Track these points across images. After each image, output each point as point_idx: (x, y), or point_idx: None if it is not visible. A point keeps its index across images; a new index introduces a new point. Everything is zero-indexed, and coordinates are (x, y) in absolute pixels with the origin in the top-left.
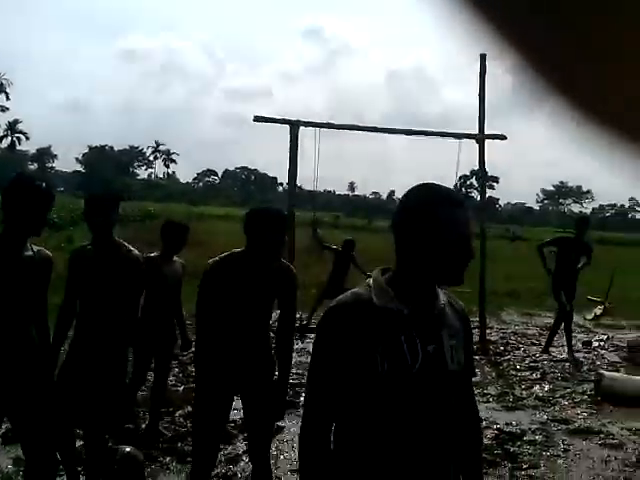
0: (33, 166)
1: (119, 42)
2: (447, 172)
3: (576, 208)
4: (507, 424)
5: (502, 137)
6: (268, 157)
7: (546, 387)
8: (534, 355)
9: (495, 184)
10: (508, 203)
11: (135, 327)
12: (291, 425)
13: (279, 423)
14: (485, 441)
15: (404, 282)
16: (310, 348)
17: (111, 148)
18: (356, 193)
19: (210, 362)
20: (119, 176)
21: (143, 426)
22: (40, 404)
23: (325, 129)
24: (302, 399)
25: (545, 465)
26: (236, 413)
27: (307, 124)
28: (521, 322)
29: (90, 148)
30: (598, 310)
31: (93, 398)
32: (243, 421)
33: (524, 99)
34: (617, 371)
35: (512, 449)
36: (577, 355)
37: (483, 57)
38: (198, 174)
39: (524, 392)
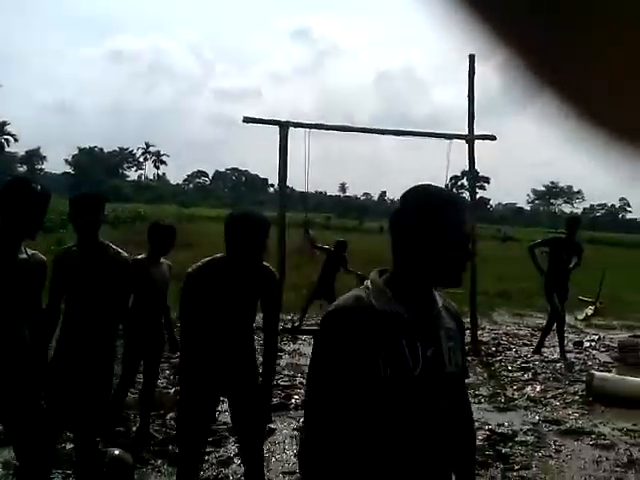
0: (22, 168)
1: (107, 43)
2: (438, 173)
3: (567, 208)
4: (499, 425)
5: (492, 137)
6: (259, 158)
7: (538, 388)
8: (526, 356)
9: (486, 184)
10: (499, 203)
11: (126, 327)
12: (283, 427)
13: (270, 425)
14: (477, 442)
15: (402, 284)
16: (302, 349)
17: (101, 149)
18: (347, 194)
19: (195, 367)
20: (109, 178)
21: (134, 429)
22: (32, 406)
23: (315, 130)
24: (293, 401)
25: (537, 466)
26: (227, 415)
27: (296, 125)
28: (512, 322)
29: (79, 150)
30: (589, 310)
31: (81, 400)
32: (233, 424)
33: (515, 98)
34: (608, 371)
35: (504, 450)
36: (568, 355)
37: (472, 58)
38: (188, 175)
39: (516, 393)
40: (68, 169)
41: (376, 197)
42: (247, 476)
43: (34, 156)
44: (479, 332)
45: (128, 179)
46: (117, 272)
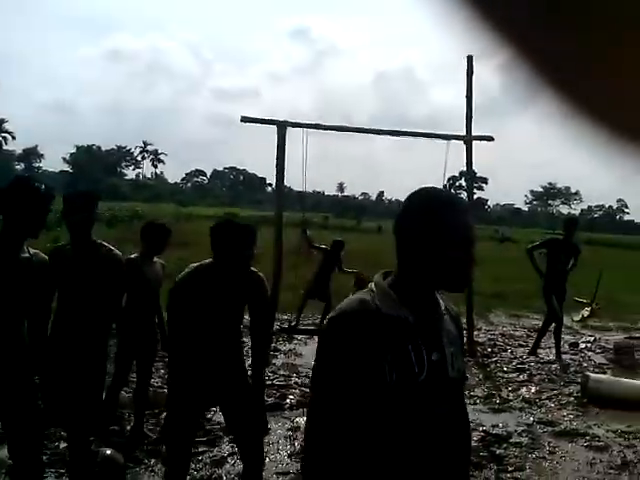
0: (19, 166)
1: (106, 42)
2: (436, 173)
3: (565, 209)
4: (493, 426)
5: (489, 138)
6: (257, 157)
7: (533, 389)
8: (521, 357)
9: (484, 185)
10: (497, 204)
11: (118, 325)
12: (277, 427)
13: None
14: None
15: (406, 287)
16: (298, 349)
17: (98, 148)
18: (345, 194)
19: (183, 374)
20: (107, 176)
21: (128, 428)
22: (29, 406)
23: (313, 130)
24: (288, 401)
25: (531, 467)
26: (221, 415)
27: (294, 125)
28: (509, 324)
29: (77, 148)
30: (585, 312)
31: (73, 399)
32: (229, 431)
33: (515, 99)
34: (604, 373)
35: (498, 451)
36: (564, 357)
37: (470, 59)
38: (186, 174)
39: (511, 394)
40: (66, 167)
41: (374, 197)
42: (245, 476)
43: (32, 154)
44: (475, 333)
45: (126, 178)
46: (110, 270)
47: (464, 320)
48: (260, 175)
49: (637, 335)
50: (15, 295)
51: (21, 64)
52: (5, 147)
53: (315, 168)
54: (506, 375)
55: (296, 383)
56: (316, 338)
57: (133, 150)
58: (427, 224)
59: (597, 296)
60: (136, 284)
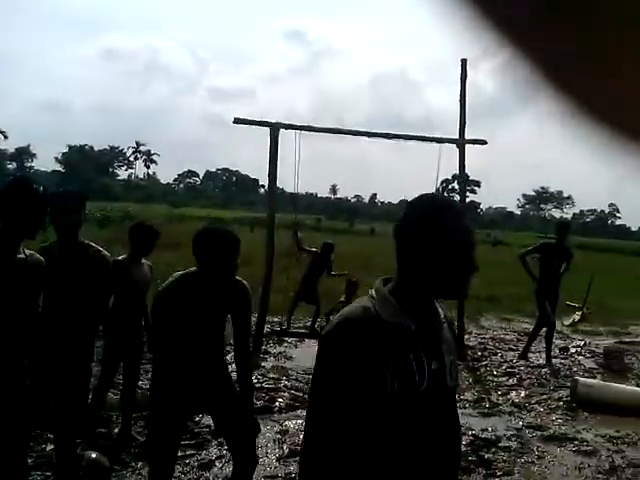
0: (11, 165)
1: (101, 41)
2: (429, 175)
3: (557, 213)
4: (482, 430)
5: (483, 142)
6: (250, 158)
7: (522, 393)
8: (511, 361)
9: (477, 188)
10: (490, 207)
11: (106, 326)
12: (266, 431)
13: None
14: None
15: (407, 294)
16: (288, 352)
17: (91, 148)
18: (338, 196)
19: (167, 383)
20: (99, 176)
21: (116, 430)
22: (17, 408)
23: (306, 131)
24: (277, 404)
25: (519, 472)
26: (209, 418)
27: (287, 127)
28: (500, 327)
29: (69, 147)
30: (576, 316)
31: (58, 401)
32: (217, 430)
33: (510, 101)
34: (593, 378)
35: (487, 455)
36: (554, 361)
37: (464, 62)
38: (179, 175)
39: (500, 398)
40: (58, 167)
41: (367, 199)
42: (239, 468)
43: (24, 153)
44: (466, 337)
45: (118, 178)
46: (97, 271)
47: (455, 324)
48: (253, 176)
49: (627, 340)
50: (11, 296)
51: (15, 63)
52: None
53: (308, 170)
54: (496, 379)
55: (285, 386)
56: (306, 341)
57: (126, 150)
58: (429, 228)
59: (588, 301)
60: (123, 286)
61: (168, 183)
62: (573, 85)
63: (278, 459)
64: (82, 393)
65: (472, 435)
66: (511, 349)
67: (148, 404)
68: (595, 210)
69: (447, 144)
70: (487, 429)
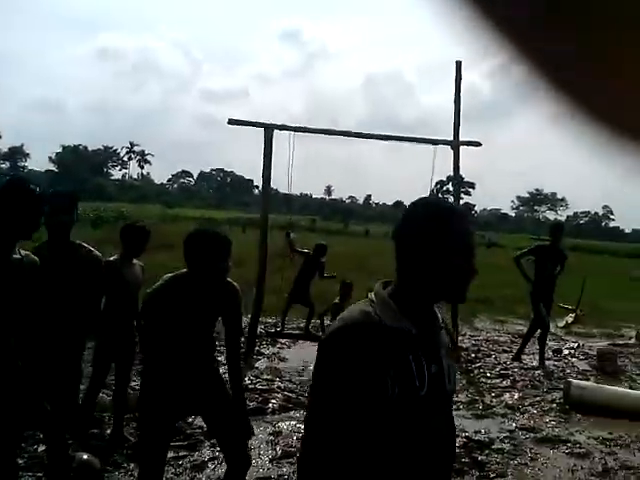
0: (4, 165)
1: (94, 41)
2: (424, 177)
3: (551, 215)
4: (476, 432)
5: (477, 144)
6: (244, 159)
7: (516, 395)
8: (505, 363)
9: (471, 190)
10: (484, 209)
11: (97, 327)
12: (259, 432)
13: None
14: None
15: (407, 297)
16: (281, 353)
17: (85, 148)
18: (333, 197)
19: (157, 386)
20: (93, 176)
21: (108, 431)
22: (10, 408)
23: (300, 133)
24: (270, 405)
25: (512, 474)
26: (201, 419)
27: (281, 128)
28: (493, 329)
29: (63, 148)
30: (570, 318)
31: (49, 400)
32: (215, 439)
33: (506, 103)
34: (586, 380)
35: (480, 457)
36: (547, 363)
37: (459, 64)
38: (173, 175)
39: (494, 400)
40: (52, 167)
41: (361, 201)
42: (231, 469)
43: (17, 153)
44: (459, 338)
45: (112, 178)
46: (89, 271)
47: (449, 325)
48: (247, 177)
49: (620, 342)
50: (7, 296)
51: (9, 62)
52: None
53: (303, 171)
54: (489, 381)
55: (279, 387)
56: (300, 342)
57: (120, 150)
58: (430, 230)
59: (581, 303)
60: (115, 286)
61: (162, 183)
62: (573, 85)
63: (271, 460)
64: (72, 394)
65: (465, 437)
66: (505, 351)
67: (138, 405)
68: (589, 212)
69: (442, 146)
70: (480, 431)
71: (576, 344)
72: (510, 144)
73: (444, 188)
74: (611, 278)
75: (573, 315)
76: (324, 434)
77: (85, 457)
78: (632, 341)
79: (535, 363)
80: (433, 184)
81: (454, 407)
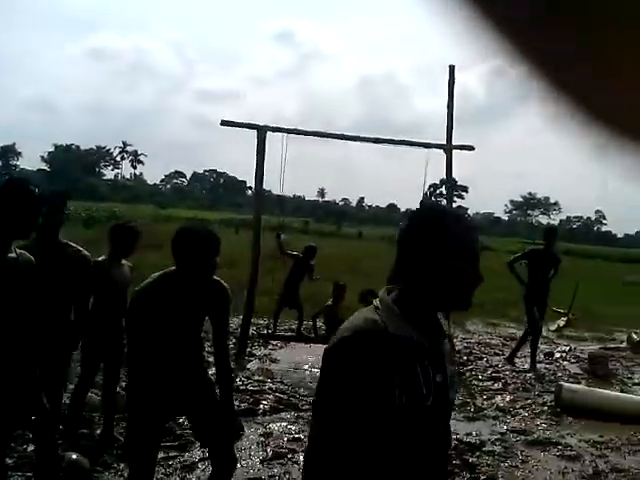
0: None
1: (88, 40)
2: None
3: (544, 219)
4: (467, 434)
5: (470, 148)
6: (237, 160)
7: (507, 398)
8: (497, 365)
9: (464, 193)
10: (477, 213)
11: (83, 328)
12: (250, 433)
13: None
14: None
15: (411, 305)
16: (273, 354)
17: (77, 147)
18: (326, 199)
19: (143, 386)
20: (85, 176)
21: (98, 431)
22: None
23: (294, 134)
24: (261, 407)
25: (503, 476)
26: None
27: (274, 129)
28: (485, 332)
29: (55, 147)
30: (561, 322)
31: (33, 400)
32: (200, 440)
33: (500, 106)
34: (578, 383)
35: (471, 459)
36: (539, 366)
37: (452, 68)
38: (166, 176)
39: (485, 402)
40: (44, 166)
41: (354, 203)
42: (217, 470)
43: (9, 152)
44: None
45: (104, 178)
46: (77, 270)
47: None
48: (240, 178)
49: (612, 346)
50: (3, 295)
51: (1, 62)
52: None
53: (296, 173)
54: (481, 383)
55: (270, 389)
56: (292, 344)
57: (112, 150)
58: (434, 234)
59: (573, 307)
60: (103, 286)
61: (155, 184)
62: (573, 85)
63: (262, 461)
64: (56, 395)
65: (456, 439)
66: (496, 354)
67: (126, 406)
68: (581, 217)
69: (435, 149)
70: (471, 433)
71: (568, 347)
72: (504, 148)
73: (437, 191)
74: (604, 282)
75: (565, 319)
76: (331, 441)
77: (74, 457)
78: (623, 345)
79: (527, 366)
80: (426, 187)
81: None
